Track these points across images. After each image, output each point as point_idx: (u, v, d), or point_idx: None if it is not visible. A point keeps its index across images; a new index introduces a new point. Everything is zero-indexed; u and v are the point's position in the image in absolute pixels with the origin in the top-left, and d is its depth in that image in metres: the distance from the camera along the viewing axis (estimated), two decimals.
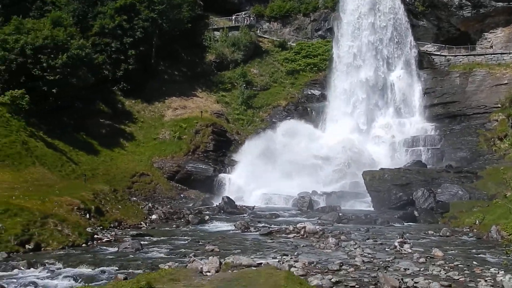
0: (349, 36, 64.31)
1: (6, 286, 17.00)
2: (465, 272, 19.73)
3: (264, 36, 70.11)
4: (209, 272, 17.45)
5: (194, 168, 51.62)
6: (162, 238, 28.21)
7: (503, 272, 19.20)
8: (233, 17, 70.02)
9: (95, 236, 27.25)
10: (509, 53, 60.44)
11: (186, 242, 27.12)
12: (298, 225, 30.59)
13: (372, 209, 42.69)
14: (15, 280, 18.17)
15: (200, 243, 26.47)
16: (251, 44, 66.66)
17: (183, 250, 24.51)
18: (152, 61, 60.11)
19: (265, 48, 68.64)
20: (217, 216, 39.08)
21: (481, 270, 20.10)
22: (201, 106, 58.87)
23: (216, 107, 60.36)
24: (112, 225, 31.01)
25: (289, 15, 70.67)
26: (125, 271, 19.64)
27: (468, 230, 32.07)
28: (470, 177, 44.63)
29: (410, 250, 24.30)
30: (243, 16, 69.93)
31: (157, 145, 53.37)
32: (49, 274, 19.41)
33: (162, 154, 52.17)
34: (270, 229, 30.83)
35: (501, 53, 61.03)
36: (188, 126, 54.96)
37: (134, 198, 41.67)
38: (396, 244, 25.32)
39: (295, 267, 19.78)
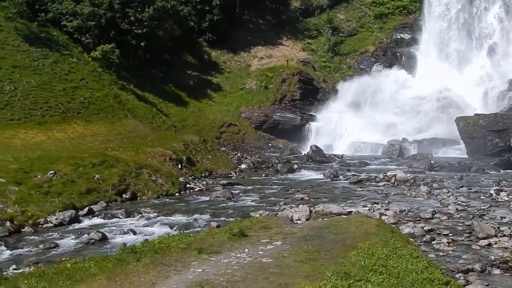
0: None
1: (107, 233, 17.91)
2: None
3: None
4: (299, 220, 17.53)
5: (281, 117, 51.69)
6: (252, 187, 28.62)
7: None
8: None
9: (187, 185, 28.07)
10: None
11: (276, 190, 27.40)
12: (388, 173, 30.06)
13: (466, 156, 41.21)
14: (115, 228, 19.10)
15: (289, 191, 26.67)
16: None
17: (273, 198, 24.79)
18: (237, 11, 59.98)
19: None
20: (305, 165, 39.11)
21: None
22: (286, 55, 58.36)
23: (302, 55, 59.62)
24: (203, 175, 31.82)
25: None
26: (218, 219, 20.15)
27: None
28: None
29: (507, 198, 23.34)
30: None
31: (243, 95, 53.74)
32: (146, 222, 20.24)
33: (249, 104, 52.54)
34: (360, 177, 30.51)
35: None
36: (274, 75, 54.83)
37: (223, 148, 42.40)
38: (492, 192, 24.38)
39: (386, 215, 19.53)
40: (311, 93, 54.75)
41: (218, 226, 17.70)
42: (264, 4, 63.68)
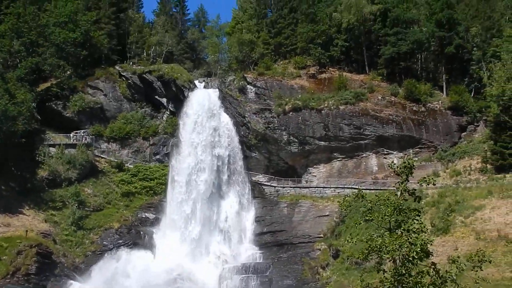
0: (186, 161, 66.44)
1: None
2: None
3: (101, 156, 69.50)
4: None
5: None
6: None
7: None
8: (72, 135, 68.88)
9: None
10: (330, 187, 65.93)
11: None
12: None
13: None
14: None
15: None
16: (87, 163, 65.59)
17: None
18: None
19: (102, 168, 67.81)
20: None
21: None
22: (26, 225, 55.56)
23: (43, 226, 57.34)
24: None
25: (128, 137, 71.12)
26: None
27: None
28: None
29: None
30: (82, 134, 69.14)
31: None
32: None
33: None
34: None
35: (323, 187, 66.40)
36: (9, 245, 51.35)
37: None
38: None
39: None
40: (49, 268, 51.98)
41: None
42: (9, 170, 61.07)
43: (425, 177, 13.04)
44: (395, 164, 13.53)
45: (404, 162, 12.74)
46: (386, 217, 12.63)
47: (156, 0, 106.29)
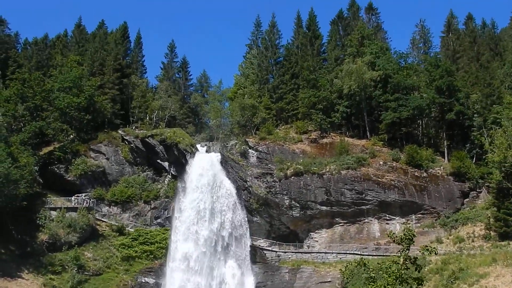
0: (185, 232, 66.13)
1: None
2: None
3: (102, 219, 69.16)
4: None
5: None
6: None
7: None
8: (73, 198, 68.73)
9: None
10: (332, 252, 65.05)
11: None
12: None
13: None
14: None
15: None
16: (88, 227, 65.22)
17: None
18: None
19: (102, 232, 67.34)
20: None
21: None
22: None
23: None
24: None
25: (130, 201, 70.99)
26: None
27: None
28: None
29: None
30: (83, 197, 68.98)
31: None
32: None
33: None
34: None
35: (325, 252, 65.52)
36: None
37: None
38: None
39: None
40: None
41: None
42: (9, 234, 60.68)
43: (427, 246, 12.98)
44: (394, 234, 13.49)
45: (404, 234, 12.72)
46: (388, 286, 12.51)
47: (160, 66, 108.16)
